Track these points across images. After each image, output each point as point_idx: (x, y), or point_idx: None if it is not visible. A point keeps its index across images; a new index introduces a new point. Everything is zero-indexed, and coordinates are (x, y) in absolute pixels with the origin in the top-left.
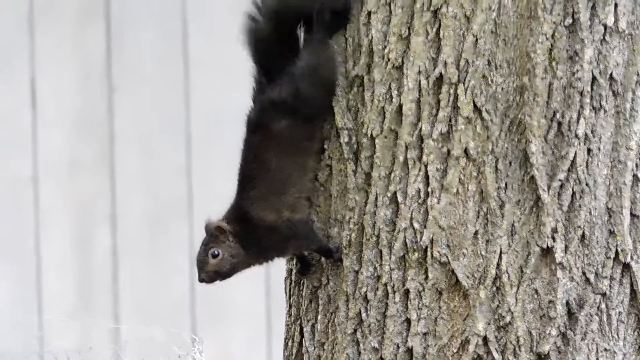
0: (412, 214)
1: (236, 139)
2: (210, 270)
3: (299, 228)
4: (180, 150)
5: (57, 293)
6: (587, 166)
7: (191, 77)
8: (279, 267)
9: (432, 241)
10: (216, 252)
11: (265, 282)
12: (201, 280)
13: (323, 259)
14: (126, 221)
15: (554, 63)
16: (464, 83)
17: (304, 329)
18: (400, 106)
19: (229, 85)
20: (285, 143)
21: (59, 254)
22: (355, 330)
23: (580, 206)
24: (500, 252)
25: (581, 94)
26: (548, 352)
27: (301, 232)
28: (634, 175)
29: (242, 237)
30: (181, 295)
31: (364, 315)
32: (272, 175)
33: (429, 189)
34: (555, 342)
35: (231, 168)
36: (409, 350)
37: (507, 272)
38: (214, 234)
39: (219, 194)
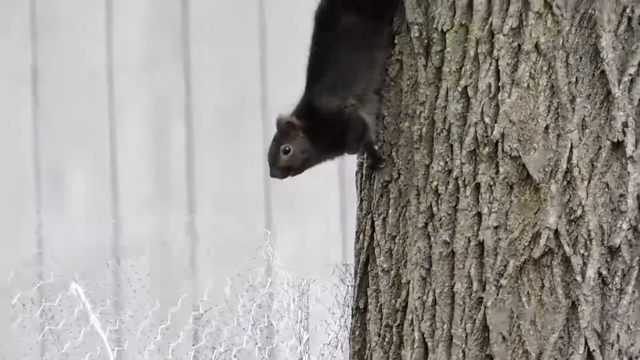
0: (483, 108)
1: (309, 35)
2: (282, 166)
3: (357, 122)
4: (255, 45)
5: (133, 185)
6: None
7: None
8: (352, 160)
9: (503, 135)
10: (287, 148)
11: (338, 176)
12: (273, 175)
13: (394, 153)
14: (203, 114)
15: None
16: None
17: (375, 223)
18: (470, 1)
19: None
20: (353, 37)
21: (135, 149)
22: (426, 224)
23: None
24: (571, 146)
25: None
26: (619, 246)
27: (359, 125)
28: None
29: (311, 131)
30: (255, 189)
31: (434, 208)
32: (340, 67)
33: (500, 84)
34: (626, 236)
35: (303, 64)
36: (480, 244)
37: (578, 166)
38: (284, 129)
39: (292, 89)
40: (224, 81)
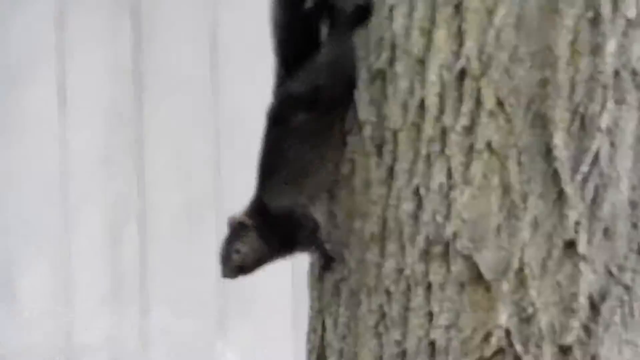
0: (434, 207)
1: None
2: (235, 265)
3: (308, 222)
4: (208, 147)
5: (86, 284)
6: (610, 159)
7: (220, 73)
8: (304, 261)
9: (455, 234)
10: (239, 248)
11: (290, 275)
12: (225, 275)
13: (345, 252)
14: (157, 215)
15: (576, 56)
16: (486, 76)
17: (326, 323)
18: (422, 100)
19: (258, 82)
20: (304, 135)
21: (89, 250)
22: (377, 323)
23: (603, 199)
24: (523, 245)
25: (604, 87)
26: (571, 344)
27: (309, 225)
28: None
29: (263, 230)
30: (209, 291)
31: (386, 308)
32: (290, 166)
33: (452, 183)
34: (578, 334)
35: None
36: (432, 343)
37: (530, 265)
38: (237, 228)
39: (245, 189)
40: (177, 181)
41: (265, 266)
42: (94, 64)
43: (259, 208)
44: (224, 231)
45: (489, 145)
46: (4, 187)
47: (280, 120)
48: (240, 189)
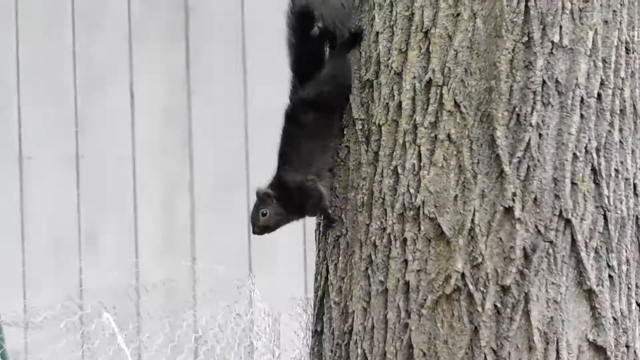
0: (408, 182)
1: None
2: (261, 225)
3: (315, 192)
4: (240, 138)
5: (149, 239)
6: (538, 147)
7: (249, 83)
8: (312, 221)
9: (423, 202)
10: (265, 212)
11: (302, 232)
12: (254, 232)
13: (343, 215)
14: (202, 188)
15: (514, 70)
16: (447, 85)
17: (329, 267)
18: (400, 102)
19: (278, 89)
20: (311, 130)
21: (152, 214)
22: (366, 268)
23: (533, 177)
24: (474, 211)
25: (534, 93)
26: (509, 285)
27: (316, 194)
28: (574, 154)
29: (282, 200)
30: (242, 244)
31: (373, 257)
32: (301, 152)
33: (421, 164)
34: (514, 277)
35: (276, 150)
36: (407, 283)
37: (479, 225)
38: (262, 197)
39: (268, 169)
40: (217, 163)
41: (283, 226)
42: (156, 75)
43: (279, 183)
44: (252, 200)
45: (448, 136)
46: (88, 168)
47: (294, 119)
48: (264, 169)
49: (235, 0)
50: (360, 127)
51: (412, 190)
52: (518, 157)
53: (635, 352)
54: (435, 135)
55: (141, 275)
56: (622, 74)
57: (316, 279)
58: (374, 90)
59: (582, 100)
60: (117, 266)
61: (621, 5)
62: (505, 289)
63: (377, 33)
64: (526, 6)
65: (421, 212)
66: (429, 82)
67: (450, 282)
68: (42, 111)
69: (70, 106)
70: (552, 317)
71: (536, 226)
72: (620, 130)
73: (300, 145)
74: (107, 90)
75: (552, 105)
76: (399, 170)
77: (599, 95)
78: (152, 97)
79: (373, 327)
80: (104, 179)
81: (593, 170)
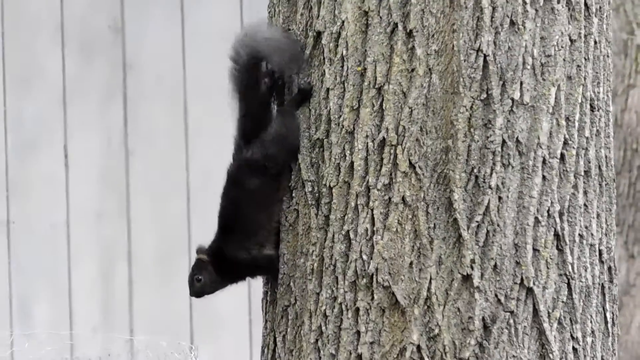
0: (361, 248)
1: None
2: (196, 290)
3: (262, 262)
4: (182, 202)
5: (84, 313)
6: (498, 211)
7: (190, 143)
8: (259, 290)
9: (377, 269)
10: (199, 277)
11: (248, 301)
12: (191, 295)
13: (291, 283)
14: (141, 256)
15: (472, 129)
16: (401, 145)
17: (277, 339)
18: (352, 163)
19: (222, 150)
20: (256, 195)
21: (87, 283)
22: (316, 340)
23: (492, 242)
24: (430, 278)
25: (493, 153)
26: (468, 358)
27: (263, 265)
28: (535, 218)
29: (218, 268)
30: (182, 313)
31: (323, 328)
32: (244, 220)
33: (375, 228)
34: (473, 350)
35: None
36: (359, 356)
37: (435, 294)
38: (197, 263)
39: (210, 234)
40: (157, 229)
41: (222, 290)
42: (91, 135)
43: (217, 252)
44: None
45: (403, 199)
46: (20, 235)
47: (237, 182)
48: (206, 236)
49: (176, 56)
50: (310, 189)
51: (364, 257)
52: (477, 222)
53: None
54: (389, 198)
55: (76, 349)
56: (587, 133)
57: (263, 351)
58: (324, 150)
59: (544, 161)
60: (51, 339)
61: (585, 60)
62: None
63: (328, 89)
64: (485, 61)
65: (374, 280)
66: (383, 141)
67: (405, 355)
68: None
69: (1, 169)
70: None
71: (496, 295)
72: (585, 193)
73: (243, 211)
74: (40, 152)
75: (513, 166)
76: (351, 235)
77: (562, 155)
78: (88, 159)
79: None
80: (36, 246)
81: (556, 235)
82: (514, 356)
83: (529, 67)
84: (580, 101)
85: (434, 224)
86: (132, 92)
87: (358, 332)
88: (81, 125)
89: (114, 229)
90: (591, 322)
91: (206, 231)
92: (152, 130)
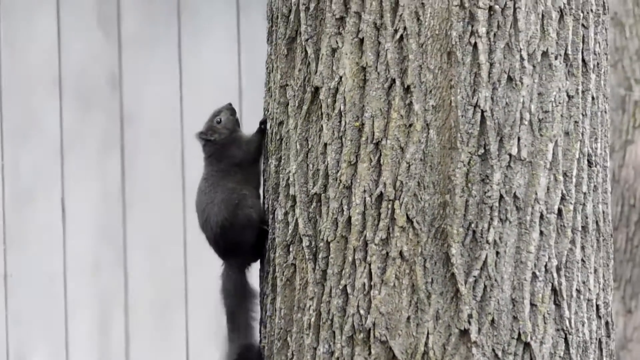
0: (358, 302)
1: None
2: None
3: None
4: (179, 255)
5: None
6: (495, 265)
7: (187, 197)
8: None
9: (374, 324)
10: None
11: None
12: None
13: (289, 338)
14: (138, 309)
15: (469, 184)
16: (399, 200)
17: None
18: (349, 217)
19: None
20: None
21: (84, 335)
22: None
23: (490, 297)
24: (428, 333)
25: (491, 208)
26: None
27: None
28: (533, 273)
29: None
30: None
31: None
32: None
33: (372, 283)
34: None
35: (217, 266)
36: None
37: (433, 349)
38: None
39: (207, 291)
40: (154, 282)
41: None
42: (89, 187)
43: None
44: (192, 323)
45: (401, 254)
46: (16, 286)
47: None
48: (203, 291)
49: (174, 108)
50: (308, 244)
51: (362, 311)
52: (474, 276)
53: None
54: (387, 253)
55: None
56: (584, 189)
57: None
58: (322, 205)
59: (541, 216)
60: None
61: (583, 115)
62: None
63: (326, 144)
64: (482, 117)
65: (372, 334)
66: (380, 196)
67: None
68: None
69: None
70: None
71: (493, 350)
72: (582, 248)
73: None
74: (37, 204)
75: (510, 221)
76: (349, 290)
77: (560, 210)
78: (85, 211)
79: None
80: (33, 298)
81: (553, 290)
82: None
83: (526, 122)
84: (577, 157)
85: (432, 279)
86: (130, 144)
87: None
88: (78, 177)
89: (111, 280)
90: None
91: (202, 287)
92: (150, 182)
